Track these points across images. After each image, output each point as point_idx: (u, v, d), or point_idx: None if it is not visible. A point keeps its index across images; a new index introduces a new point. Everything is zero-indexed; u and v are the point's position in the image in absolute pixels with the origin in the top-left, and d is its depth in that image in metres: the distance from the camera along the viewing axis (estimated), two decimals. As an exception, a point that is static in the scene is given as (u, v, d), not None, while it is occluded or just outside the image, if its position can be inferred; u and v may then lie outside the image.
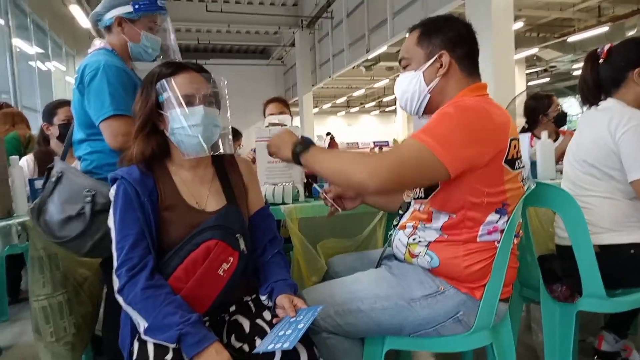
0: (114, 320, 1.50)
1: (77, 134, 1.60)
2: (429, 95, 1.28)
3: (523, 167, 1.23)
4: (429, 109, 1.30)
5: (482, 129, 1.12)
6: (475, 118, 1.13)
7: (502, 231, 1.19)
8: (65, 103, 2.42)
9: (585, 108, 1.70)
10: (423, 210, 1.26)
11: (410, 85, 1.29)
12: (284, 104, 2.92)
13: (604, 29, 9.76)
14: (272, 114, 2.85)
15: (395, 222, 1.38)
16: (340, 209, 1.49)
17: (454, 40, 1.25)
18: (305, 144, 1.23)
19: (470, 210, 1.16)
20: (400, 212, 1.38)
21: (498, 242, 1.19)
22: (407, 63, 1.31)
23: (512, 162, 1.16)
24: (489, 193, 1.15)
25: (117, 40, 1.60)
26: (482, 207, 1.16)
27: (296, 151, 1.22)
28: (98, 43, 1.61)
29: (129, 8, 1.55)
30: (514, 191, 1.19)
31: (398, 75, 1.34)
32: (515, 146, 1.17)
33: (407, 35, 1.33)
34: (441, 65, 1.24)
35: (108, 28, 1.60)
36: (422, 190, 1.26)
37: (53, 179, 1.51)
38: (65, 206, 1.46)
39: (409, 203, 1.33)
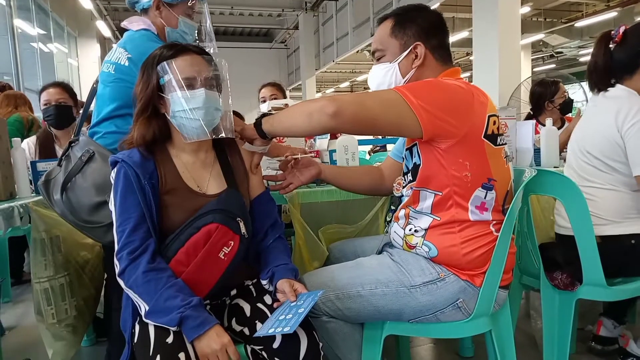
0: (116, 302, 1.50)
1: (105, 107, 1.51)
2: None
3: (506, 144, 1.23)
4: None
5: (459, 99, 1.13)
6: (453, 89, 1.14)
7: (493, 211, 1.19)
8: (48, 86, 2.43)
9: (592, 93, 1.66)
10: (411, 194, 1.25)
11: (386, 77, 1.29)
12: (277, 87, 2.92)
13: (613, 14, 9.60)
14: (264, 98, 2.84)
15: (388, 218, 1.38)
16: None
17: (427, 30, 1.25)
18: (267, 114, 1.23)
19: (455, 186, 1.16)
20: (393, 207, 1.38)
21: (493, 224, 1.19)
22: (381, 55, 1.31)
23: (493, 137, 1.17)
24: (472, 167, 1.15)
25: (153, 22, 1.56)
26: (467, 182, 1.16)
27: (257, 120, 1.22)
28: (137, 20, 1.56)
29: None
30: (499, 167, 1.19)
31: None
32: (494, 122, 1.17)
33: (377, 25, 1.33)
34: (416, 56, 1.25)
35: (145, 10, 1.57)
36: (410, 174, 1.26)
37: (84, 158, 1.43)
38: (96, 191, 1.40)
39: (400, 197, 1.33)
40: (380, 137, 3.04)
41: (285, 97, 2.93)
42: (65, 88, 2.44)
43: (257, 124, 1.21)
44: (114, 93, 1.50)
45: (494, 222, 1.20)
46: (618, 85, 1.57)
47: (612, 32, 1.60)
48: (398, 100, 1.09)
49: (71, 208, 1.40)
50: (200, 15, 1.62)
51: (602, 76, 1.60)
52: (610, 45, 1.60)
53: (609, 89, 1.59)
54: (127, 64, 1.47)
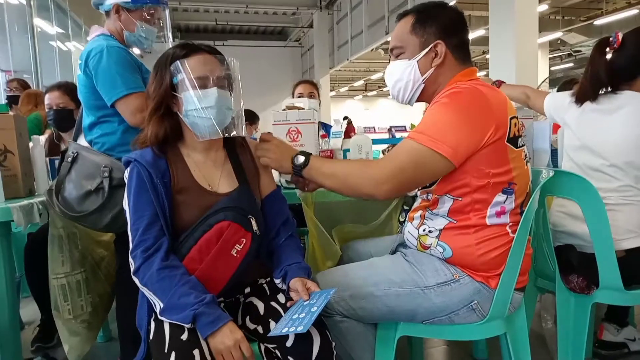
0: (125, 299, 1.53)
1: (87, 118, 1.62)
2: (423, 85, 1.27)
3: (524, 145, 1.22)
4: (421, 98, 1.29)
5: (480, 111, 1.12)
6: (471, 101, 1.13)
7: (511, 213, 1.17)
8: (51, 89, 2.43)
9: (575, 104, 1.59)
10: (429, 199, 1.24)
11: (405, 74, 1.27)
12: (313, 85, 3.00)
13: (634, 11, 9.39)
14: (301, 94, 2.86)
15: (402, 219, 1.37)
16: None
17: (449, 28, 1.23)
18: (304, 156, 1.24)
19: (476, 192, 1.15)
20: (405, 207, 1.37)
21: (509, 226, 1.17)
22: (400, 52, 1.29)
23: (514, 140, 1.16)
24: (494, 174, 1.14)
25: (113, 26, 1.63)
26: (488, 189, 1.15)
27: (296, 164, 1.24)
28: (95, 29, 1.64)
29: None
30: (520, 169, 1.18)
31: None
32: (515, 124, 1.16)
33: (397, 21, 1.31)
34: (436, 54, 1.23)
35: (107, 13, 1.63)
36: None
37: (69, 159, 1.55)
38: (83, 182, 1.51)
39: (414, 197, 1.31)
40: (393, 136, 3.01)
41: (318, 92, 3.01)
42: (66, 90, 2.39)
43: (299, 169, 1.23)
44: (86, 103, 1.61)
45: (511, 224, 1.18)
46: (624, 91, 1.51)
47: (611, 39, 1.54)
48: (430, 155, 1.10)
49: (65, 204, 1.51)
50: (161, 20, 1.69)
51: (602, 83, 1.54)
52: (608, 52, 1.54)
53: (617, 92, 1.53)
54: (79, 72, 1.58)
